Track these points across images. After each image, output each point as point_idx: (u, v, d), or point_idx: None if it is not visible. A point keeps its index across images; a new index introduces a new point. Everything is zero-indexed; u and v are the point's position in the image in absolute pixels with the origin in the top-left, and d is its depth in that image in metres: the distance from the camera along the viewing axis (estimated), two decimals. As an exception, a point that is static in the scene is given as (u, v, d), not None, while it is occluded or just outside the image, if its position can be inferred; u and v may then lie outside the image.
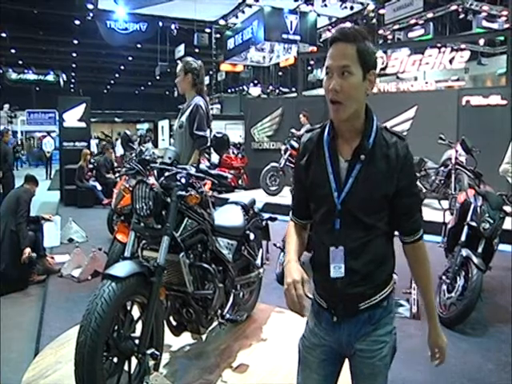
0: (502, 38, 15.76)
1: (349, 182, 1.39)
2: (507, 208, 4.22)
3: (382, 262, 1.45)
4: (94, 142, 17.96)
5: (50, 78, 29.45)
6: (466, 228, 3.99)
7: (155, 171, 2.81)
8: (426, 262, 1.51)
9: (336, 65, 1.34)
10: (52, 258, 5.48)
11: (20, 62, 28.09)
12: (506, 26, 14.65)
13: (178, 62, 3.90)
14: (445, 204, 7.07)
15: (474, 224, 3.94)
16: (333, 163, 1.42)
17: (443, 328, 3.68)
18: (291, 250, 1.51)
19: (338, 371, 1.57)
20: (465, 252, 3.83)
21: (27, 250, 4.77)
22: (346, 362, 1.56)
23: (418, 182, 8.06)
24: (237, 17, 18.70)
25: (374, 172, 1.38)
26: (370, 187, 1.38)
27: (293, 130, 9.33)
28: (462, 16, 16.21)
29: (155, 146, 23.11)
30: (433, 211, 7.56)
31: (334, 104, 1.36)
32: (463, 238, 3.97)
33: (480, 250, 3.88)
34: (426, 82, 14.36)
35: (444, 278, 4.00)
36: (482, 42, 17.90)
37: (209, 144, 3.28)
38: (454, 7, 16.25)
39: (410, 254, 1.50)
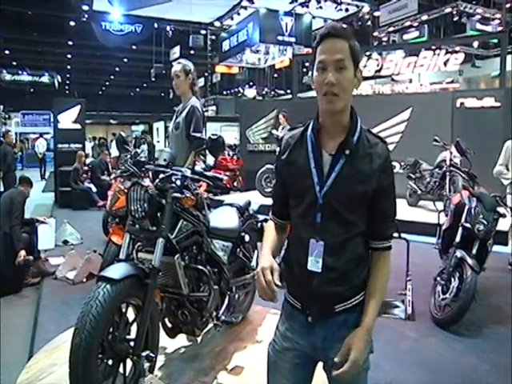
0: (495, 41, 15.89)
1: (331, 176, 1.39)
2: (501, 209, 4.25)
3: (359, 262, 1.44)
4: (89, 145, 17.90)
5: (45, 79, 29.31)
6: (460, 229, 4.01)
7: (150, 173, 2.80)
8: (387, 272, 1.48)
9: (332, 59, 1.35)
10: (47, 260, 5.46)
11: (14, 63, 27.95)
12: (500, 28, 14.77)
13: (174, 63, 3.88)
14: (439, 205, 7.10)
15: (468, 225, 3.97)
16: (316, 156, 1.43)
17: (439, 329, 3.72)
18: (265, 245, 1.52)
19: (310, 377, 1.54)
20: (459, 253, 3.85)
21: (22, 253, 4.75)
22: (319, 368, 1.53)
23: (412, 183, 8.13)
24: (232, 18, 18.68)
25: (357, 168, 1.39)
26: (352, 183, 1.38)
27: (273, 131, 9.41)
28: (456, 18, 16.28)
29: (150, 147, 23.04)
30: (428, 213, 7.60)
31: (329, 96, 1.36)
32: (458, 239, 3.99)
33: (474, 251, 3.90)
34: (421, 84, 14.44)
35: (439, 279, 4.02)
36: (476, 44, 18.01)
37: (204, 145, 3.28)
38: (448, 10, 16.32)
39: (375, 261, 1.47)
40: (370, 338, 1.41)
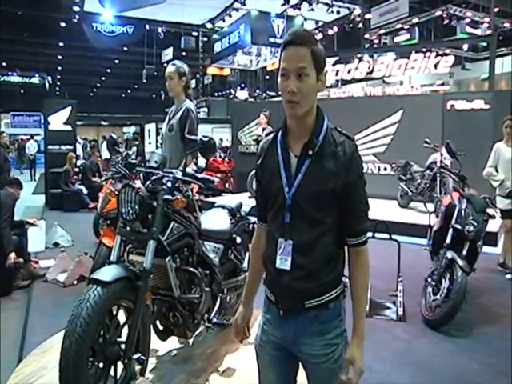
0: (484, 44, 16.04)
1: (298, 177, 1.44)
2: (490, 211, 4.28)
3: (329, 261, 1.46)
4: (80, 146, 17.80)
5: (35, 80, 29.15)
6: (450, 231, 4.04)
7: (141, 175, 2.79)
8: (366, 270, 1.49)
9: (293, 67, 1.39)
10: (37, 262, 5.41)
11: (4, 64, 27.71)
12: (488, 32, 14.92)
13: (168, 64, 3.87)
14: (430, 207, 7.15)
15: (458, 227, 3.99)
16: (284, 159, 1.48)
17: (429, 330, 3.74)
18: (244, 291, 1.73)
19: (292, 369, 1.58)
20: (450, 254, 3.88)
21: (12, 255, 4.69)
22: None
23: (403, 184, 8.16)
24: (224, 20, 18.70)
25: (322, 168, 1.42)
26: (318, 182, 1.42)
27: (256, 131, 9.48)
28: (446, 22, 16.46)
29: (142, 149, 22.96)
30: (418, 214, 7.64)
31: (291, 103, 1.41)
32: (448, 240, 4.02)
33: (464, 252, 3.94)
34: (412, 87, 14.51)
35: (429, 280, 4.05)
36: (465, 47, 18.20)
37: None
38: (438, 13, 16.49)
39: (352, 258, 1.49)
40: (362, 344, 1.46)
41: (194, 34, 20.37)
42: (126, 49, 23.26)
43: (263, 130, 9.36)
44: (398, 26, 16.98)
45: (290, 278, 1.45)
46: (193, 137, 3.62)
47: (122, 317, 2.39)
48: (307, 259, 1.44)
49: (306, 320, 1.47)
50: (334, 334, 1.47)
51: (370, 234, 1.52)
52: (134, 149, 14.56)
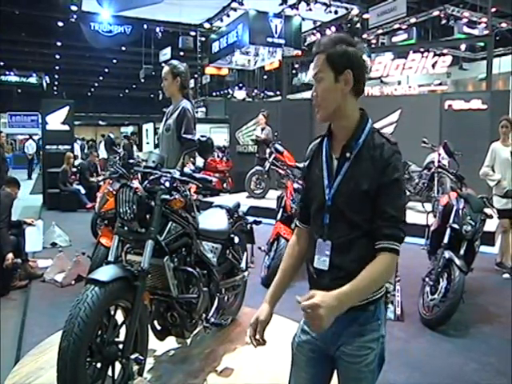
0: (482, 44, 16.07)
1: (338, 178, 1.48)
2: (488, 210, 4.30)
3: (367, 263, 1.43)
4: (78, 146, 17.77)
5: (33, 80, 29.04)
6: (448, 230, 4.05)
7: (139, 175, 2.79)
8: (381, 268, 1.40)
9: (312, 74, 1.51)
10: (34, 262, 5.40)
11: (1, 64, 27.64)
12: (486, 32, 14.94)
13: (164, 65, 3.86)
14: (428, 207, 7.16)
15: (456, 226, 4.00)
16: (328, 161, 1.52)
17: (427, 329, 3.74)
18: (270, 288, 1.65)
19: (327, 371, 1.58)
20: (447, 254, 3.89)
21: (10, 256, 4.68)
22: None
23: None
24: (222, 20, 18.65)
25: (359, 170, 1.44)
26: (355, 184, 1.44)
27: (256, 133, 9.48)
28: (444, 22, 16.47)
29: (139, 149, 23.00)
30: (416, 214, 7.64)
31: (315, 107, 1.51)
32: (446, 240, 4.03)
33: (462, 251, 3.95)
34: (410, 86, 14.53)
35: (427, 279, 4.06)
36: (463, 47, 18.23)
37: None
38: (436, 13, 16.51)
39: (374, 259, 1.41)
40: (336, 309, 1.29)
41: (192, 33, 20.31)
42: (123, 48, 23.18)
43: (262, 130, 9.36)
44: (396, 26, 16.98)
45: (330, 278, 1.46)
46: (189, 136, 3.61)
47: (119, 317, 2.40)
48: (345, 260, 1.45)
49: (345, 321, 1.45)
50: (371, 338, 1.47)
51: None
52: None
